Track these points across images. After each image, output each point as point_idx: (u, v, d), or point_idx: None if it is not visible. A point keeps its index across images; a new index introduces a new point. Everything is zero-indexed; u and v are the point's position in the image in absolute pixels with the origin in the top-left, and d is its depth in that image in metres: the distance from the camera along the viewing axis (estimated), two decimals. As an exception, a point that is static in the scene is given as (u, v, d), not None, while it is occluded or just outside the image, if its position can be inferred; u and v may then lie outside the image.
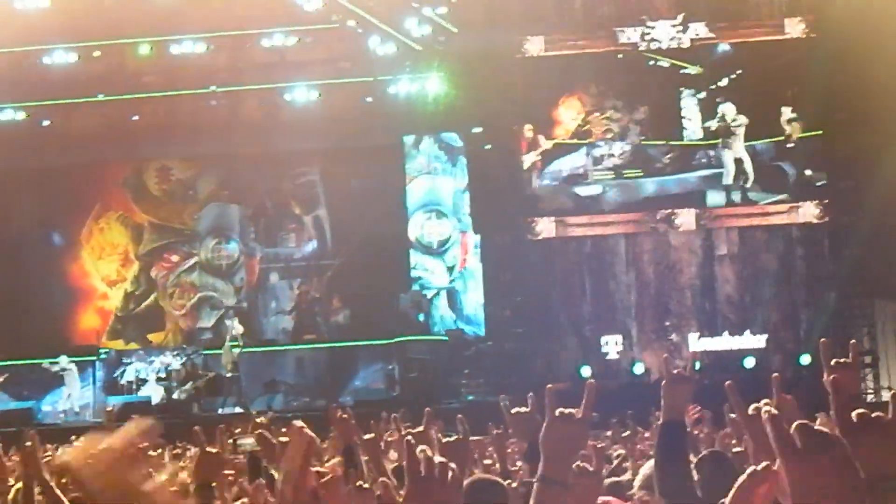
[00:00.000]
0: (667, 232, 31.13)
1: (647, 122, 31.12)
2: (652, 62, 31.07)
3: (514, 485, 6.15)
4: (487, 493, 5.78)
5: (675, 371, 4.93)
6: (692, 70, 31.03)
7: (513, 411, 5.87)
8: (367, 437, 6.99)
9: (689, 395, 4.89)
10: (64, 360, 31.07)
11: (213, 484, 4.70)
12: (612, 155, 31.14)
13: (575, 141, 31.23)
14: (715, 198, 30.97)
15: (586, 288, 31.55)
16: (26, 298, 34.42)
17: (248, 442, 11.42)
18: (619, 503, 5.61)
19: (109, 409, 20.20)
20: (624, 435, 13.95)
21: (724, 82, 30.78)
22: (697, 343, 30.30)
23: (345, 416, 7.43)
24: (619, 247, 31.52)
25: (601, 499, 4.99)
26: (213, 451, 4.87)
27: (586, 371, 28.83)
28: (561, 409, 3.78)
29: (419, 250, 33.70)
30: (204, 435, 5.61)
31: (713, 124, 30.77)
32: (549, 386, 5.29)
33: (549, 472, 3.70)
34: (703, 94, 30.97)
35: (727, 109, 30.61)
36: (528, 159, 31.14)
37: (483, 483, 6.09)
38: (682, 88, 31.15)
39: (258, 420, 9.20)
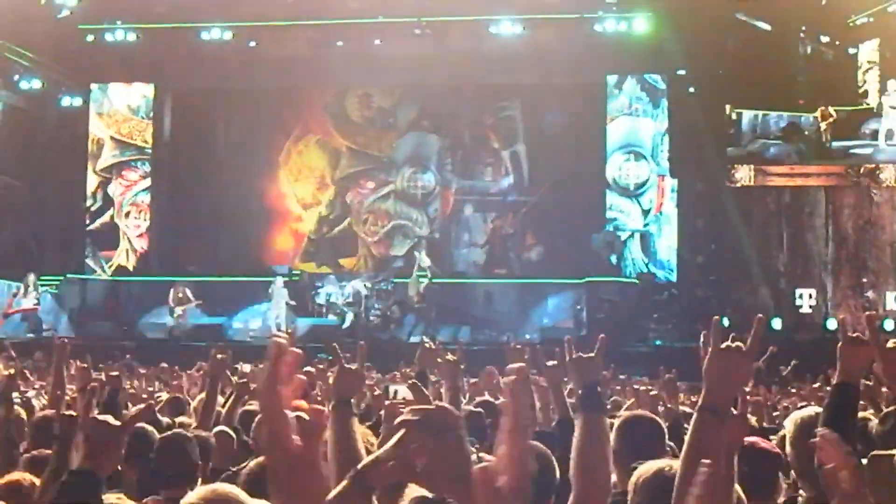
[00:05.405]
0: (870, 186, 30.47)
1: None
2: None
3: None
4: (642, 429, 5.98)
5: (853, 334, 4.89)
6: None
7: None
8: (550, 363, 6.91)
9: (868, 358, 4.82)
10: (279, 281, 31.46)
11: (353, 399, 5.00)
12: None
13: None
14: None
15: (783, 239, 31.09)
16: (225, 215, 35.11)
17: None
18: (765, 441, 5.71)
19: (290, 330, 20.42)
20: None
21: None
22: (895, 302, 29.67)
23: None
24: (819, 199, 30.93)
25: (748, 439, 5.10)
26: (353, 367, 5.09)
27: (777, 323, 28.48)
28: (727, 343, 3.74)
29: (615, 191, 33.40)
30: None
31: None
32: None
33: (709, 402, 3.73)
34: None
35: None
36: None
37: (638, 419, 6.24)
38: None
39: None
